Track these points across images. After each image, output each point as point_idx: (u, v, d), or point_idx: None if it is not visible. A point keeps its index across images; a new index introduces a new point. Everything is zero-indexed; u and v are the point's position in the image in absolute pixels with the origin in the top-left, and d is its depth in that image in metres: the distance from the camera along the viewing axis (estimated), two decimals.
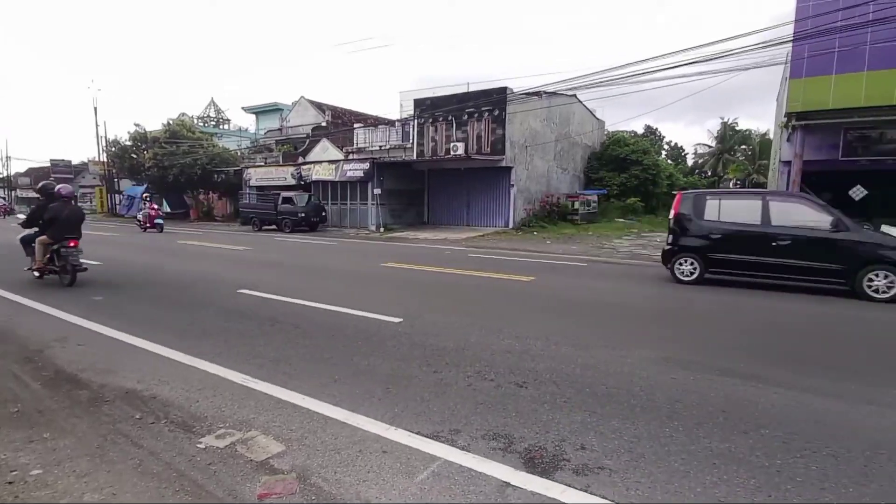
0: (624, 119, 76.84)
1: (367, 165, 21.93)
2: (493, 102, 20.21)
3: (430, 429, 2.99)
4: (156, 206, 21.55)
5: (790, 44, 11.95)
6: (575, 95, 23.68)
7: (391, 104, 71.54)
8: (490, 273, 9.55)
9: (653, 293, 8.00)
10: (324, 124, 30.49)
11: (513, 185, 20.89)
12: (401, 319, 5.58)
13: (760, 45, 12.17)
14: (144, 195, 24.00)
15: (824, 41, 11.36)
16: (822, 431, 3.02)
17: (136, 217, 22.77)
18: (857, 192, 14.49)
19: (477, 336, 4.99)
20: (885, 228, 10.14)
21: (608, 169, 28.67)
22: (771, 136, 32.76)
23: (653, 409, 3.32)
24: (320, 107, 32.10)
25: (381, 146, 25.51)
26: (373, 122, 29.51)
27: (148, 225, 20.31)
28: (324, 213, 22.66)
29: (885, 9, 10.57)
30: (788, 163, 13.26)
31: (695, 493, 2.37)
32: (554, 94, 21.45)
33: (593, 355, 4.40)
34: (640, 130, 46.84)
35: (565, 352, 4.51)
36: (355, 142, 26.96)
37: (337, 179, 23.18)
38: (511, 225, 20.73)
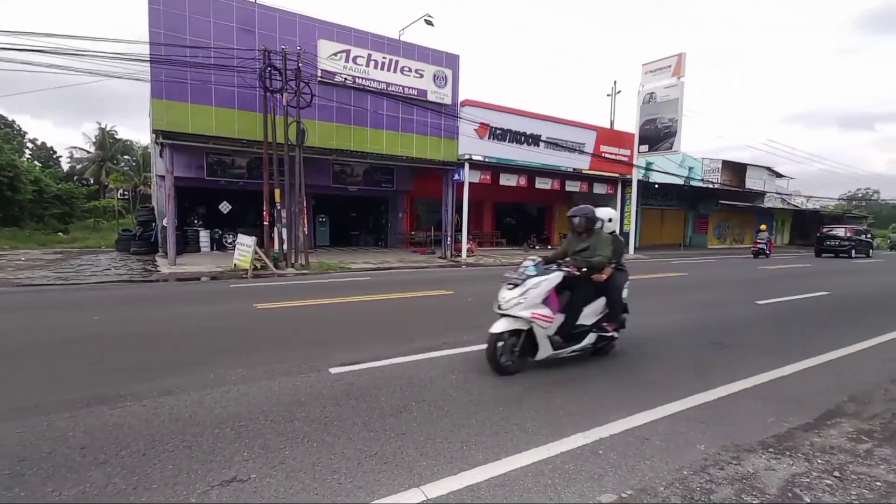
0: None
1: None
2: None
3: None
4: None
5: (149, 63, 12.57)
6: None
7: None
8: None
9: None
10: None
11: None
12: None
13: (121, 56, 12.09)
14: None
15: (179, 70, 12.71)
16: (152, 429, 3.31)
17: None
18: (224, 207, 17.35)
19: None
20: (240, 238, 12.61)
21: None
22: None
23: None
24: None
25: None
26: None
27: None
28: None
29: (222, 58, 13.06)
30: (163, 177, 14.01)
31: None
32: None
33: None
34: None
35: None
36: None
37: None
38: None
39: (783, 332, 6.89)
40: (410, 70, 17.06)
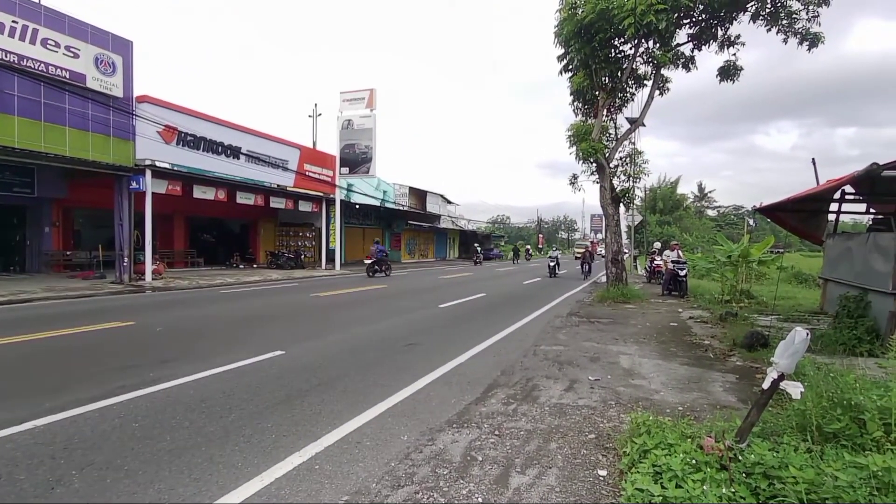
0: None
1: None
2: None
3: None
4: None
5: None
6: None
7: None
8: None
9: None
10: None
11: None
12: None
13: None
14: None
15: None
16: None
17: None
18: None
19: None
20: None
21: None
22: None
23: None
24: None
25: None
26: None
27: None
28: None
29: None
30: None
31: None
32: None
33: None
34: None
35: None
36: None
37: None
38: None
39: (459, 327, 8.46)
40: (58, 45, 13.29)
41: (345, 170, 24.52)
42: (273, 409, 4.08)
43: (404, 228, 37.52)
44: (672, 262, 14.52)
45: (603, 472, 3.05)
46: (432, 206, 41.16)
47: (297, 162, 23.54)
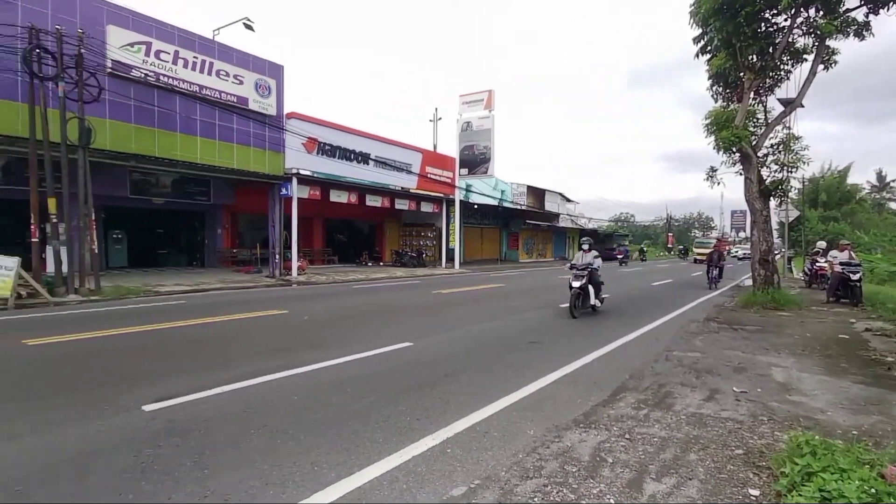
0: None
1: None
2: None
3: None
4: None
5: None
6: None
7: None
8: None
9: None
10: None
11: None
12: None
13: None
14: None
15: None
16: None
17: None
18: None
19: None
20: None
21: None
22: None
23: None
24: None
25: None
26: None
27: None
28: None
29: None
30: None
31: None
32: None
33: None
34: None
35: None
36: None
37: None
38: None
39: (581, 329, 8.21)
40: (228, 75, 15.70)
41: (464, 171, 25.15)
42: (406, 395, 4.40)
43: (522, 227, 37.27)
44: (840, 263, 12.38)
45: (755, 492, 2.76)
46: (550, 205, 40.27)
47: (419, 165, 24.75)
